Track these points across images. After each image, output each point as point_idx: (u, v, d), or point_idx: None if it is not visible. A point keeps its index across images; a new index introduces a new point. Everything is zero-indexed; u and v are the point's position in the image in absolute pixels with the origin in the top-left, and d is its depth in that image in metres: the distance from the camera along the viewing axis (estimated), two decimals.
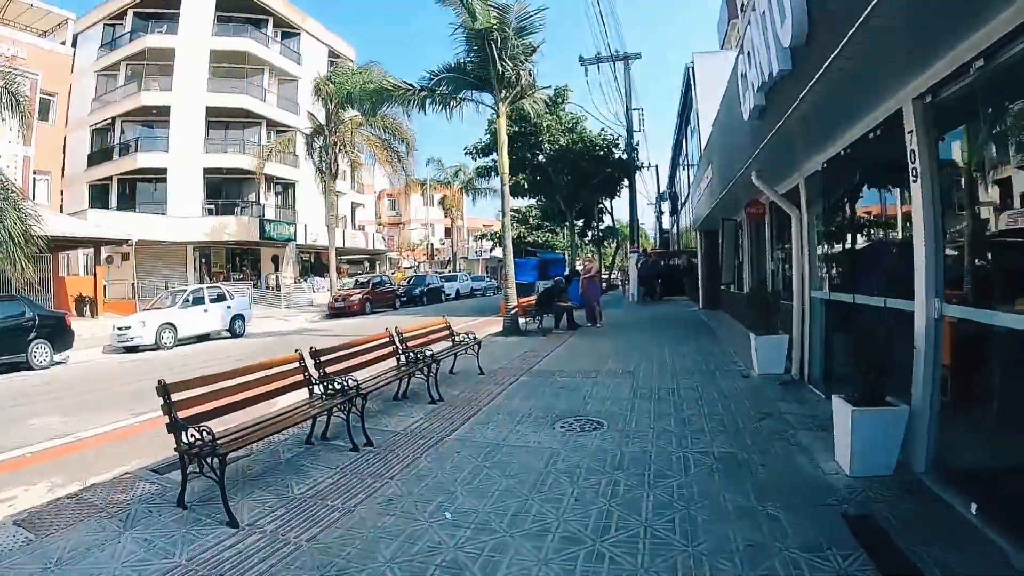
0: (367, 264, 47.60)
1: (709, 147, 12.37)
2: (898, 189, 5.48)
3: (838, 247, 7.55)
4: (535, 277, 23.57)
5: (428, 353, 7.72)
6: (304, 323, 22.94)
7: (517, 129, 24.53)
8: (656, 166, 48.24)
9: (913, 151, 4.45)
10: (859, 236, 7.28)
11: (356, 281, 28.67)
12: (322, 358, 6.07)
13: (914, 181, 4.47)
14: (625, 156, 25.91)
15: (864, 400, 4.38)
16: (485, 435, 5.95)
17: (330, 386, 5.78)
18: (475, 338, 9.57)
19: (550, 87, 21.85)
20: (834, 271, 7.67)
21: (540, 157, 25.40)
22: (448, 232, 61.85)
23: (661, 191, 47.57)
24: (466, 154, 27.82)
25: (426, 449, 5.53)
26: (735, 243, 14.31)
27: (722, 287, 18.27)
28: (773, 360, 8.09)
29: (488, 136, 25.68)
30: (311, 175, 30.39)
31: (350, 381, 5.83)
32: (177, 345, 16.19)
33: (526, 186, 26.54)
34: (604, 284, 28.53)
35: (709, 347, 11.06)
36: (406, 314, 24.60)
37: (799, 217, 7.98)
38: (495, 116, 15.57)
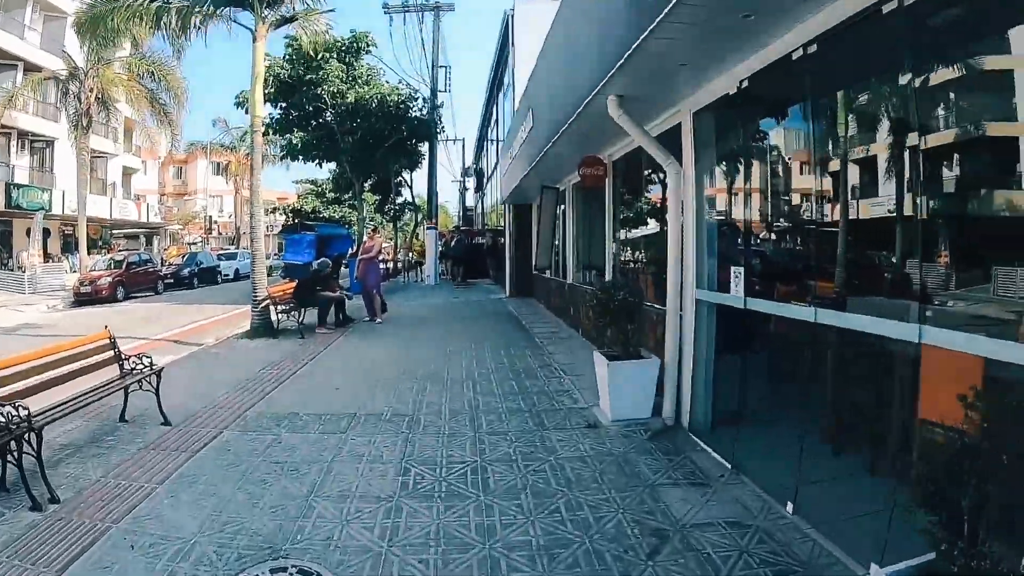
0: (143, 239, 39.09)
1: (531, 90, 9.30)
2: None
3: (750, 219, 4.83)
4: (312, 256, 18.95)
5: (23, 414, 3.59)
6: (36, 315, 15.95)
7: (297, 73, 19.74)
8: (463, 140, 44.77)
9: None
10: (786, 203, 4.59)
11: (111, 260, 22.02)
12: None
13: None
14: (425, 115, 22.24)
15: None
16: None
17: None
18: (152, 365, 5.38)
19: (333, 9, 17.36)
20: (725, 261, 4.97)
21: (327, 114, 20.66)
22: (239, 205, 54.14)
23: (466, 166, 45.09)
24: (236, 105, 21.96)
25: None
26: (555, 218, 11.48)
27: (535, 272, 15.58)
28: (636, 397, 5.12)
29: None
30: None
31: None
32: None
33: (298, 145, 21.51)
34: (390, 266, 24.90)
35: (526, 359, 7.98)
36: (167, 300, 19.30)
37: (679, 174, 5.05)
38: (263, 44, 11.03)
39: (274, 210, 55.85)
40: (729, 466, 4.19)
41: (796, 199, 4.45)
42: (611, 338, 5.28)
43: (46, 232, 26.80)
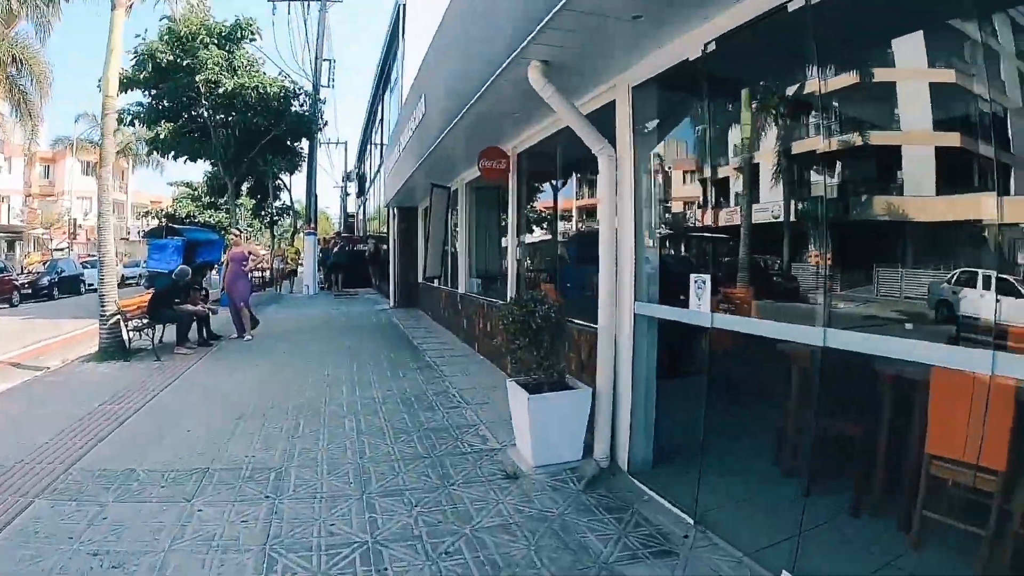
0: (5, 245, 33.40)
1: (424, 75, 8.11)
2: None
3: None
4: (179, 263, 16.55)
5: None
6: None
7: (174, 58, 17.29)
8: (346, 143, 42.65)
9: None
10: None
11: None
12: None
13: None
14: (306, 110, 20.31)
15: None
16: None
17: None
18: None
19: None
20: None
21: (201, 105, 18.21)
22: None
23: (349, 171, 42.90)
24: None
25: None
26: (447, 222, 10.37)
27: (423, 281, 14.35)
28: (564, 436, 4.13)
29: (133, 63, 17.62)
30: None
31: None
32: None
33: (165, 138, 18.57)
34: (266, 275, 22.57)
35: (418, 383, 6.79)
36: (22, 313, 16.04)
37: (612, 160, 4.16)
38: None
39: (146, 214, 50.48)
40: (691, 520, 3.32)
41: (769, 192, 3.68)
42: (525, 361, 4.26)
43: None
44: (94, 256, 33.86)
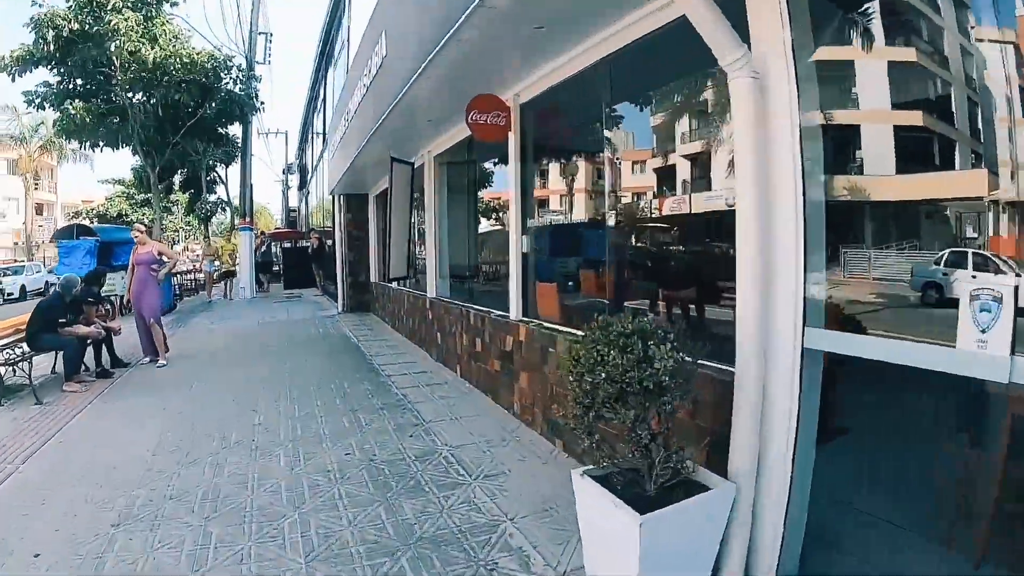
0: None
1: (384, 6, 6.06)
2: None
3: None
4: (89, 269, 13.75)
5: None
6: None
7: (82, 26, 14.37)
8: (286, 132, 39.68)
9: None
10: None
11: None
12: None
13: None
14: (239, 87, 17.61)
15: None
16: None
17: None
18: None
19: None
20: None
21: (116, 80, 15.25)
22: (40, 210, 44.14)
23: (289, 163, 39.95)
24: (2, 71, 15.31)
25: None
26: (411, 207, 8.29)
27: (378, 281, 12.23)
28: (684, 561, 2.28)
29: (32, 35, 14.46)
30: None
31: None
32: None
33: (79, 119, 15.18)
34: (198, 277, 19.81)
35: (393, 439, 4.75)
36: None
37: (755, 84, 2.33)
38: None
39: (76, 214, 46.09)
40: None
41: None
42: (621, 449, 2.38)
43: None
44: (18, 261, 29.91)
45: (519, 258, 5.22)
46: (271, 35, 19.98)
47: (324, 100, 20.30)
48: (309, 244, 19.48)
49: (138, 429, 5.06)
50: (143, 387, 6.63)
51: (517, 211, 5.20)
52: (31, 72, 14.66)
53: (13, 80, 14.48)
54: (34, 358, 6.45)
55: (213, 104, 16.86)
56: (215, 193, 26.19)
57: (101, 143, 16.36)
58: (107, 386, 6.71)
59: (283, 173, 40.74)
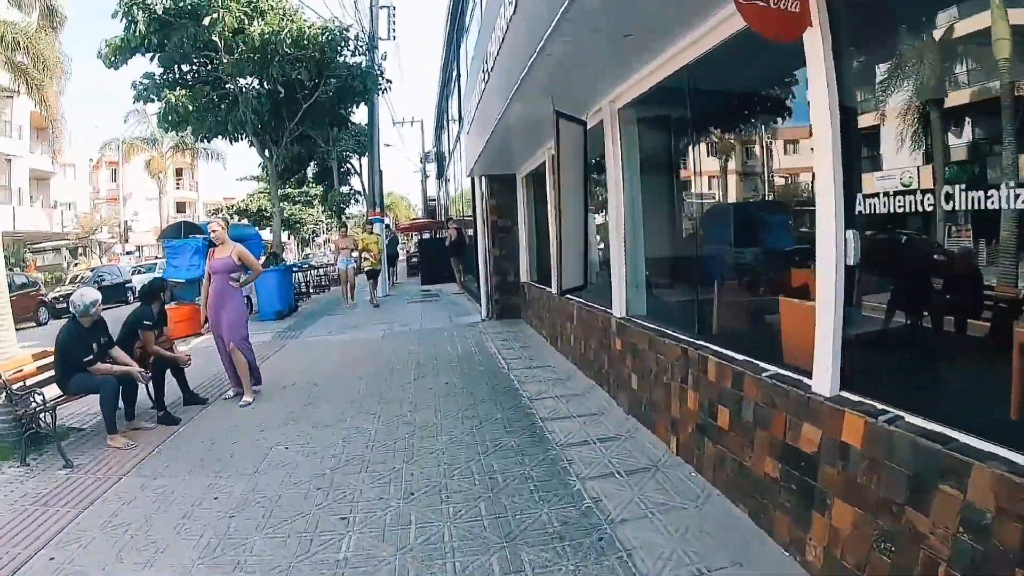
0: (67, 253, 32.48)
1: None
2: None
3: None
4: (201, 270, 12.53)
5: None
6: None
7: (167, 4, 13.07)
8: (421, 121, 39.03)
9: None
10: None
11: None
12: None
13: None
14: (363, 59, 15.93)
15: None
16: None
17: None
18: None
19: None
20: None
21: (220, 62, 14.23)
22: (183, 208, 48.01)
23: (426, 151, 39.35)
24: (99, 57, 14.80)
25: None
26: (586, 181, 5.66)
27: (529, 282, 10.00)
28: None
29: (122, 22, 13.29)
30: None
31: None
32: None
33: (179, 106, 14.03)
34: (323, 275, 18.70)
35: None
36: (31, 339, 11.46)
37: None
38: None
39: (215, 212, 48.58)
40: None
41: None
42: None
43: None
44: (152, 260, 31.88)
45: (835, 272, 2.58)
46: (394, 9, 18.29)
47: (458, 78, 18.37)
48: (447, 236, 17.66)
49: (179, 531, 3.14)
50: (206, 446, 4.81)
51: (833, 186, 2.56)
52: (127, 64, 13.71)
53: (116, 69, 13.67)
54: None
55: (332, 81, 15.14)
56: (348, 184, 25.45)
57: (209, 134, 15.24)
58: (165, 439, 5.01)
59: (420, 162, 40.23)
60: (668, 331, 4.32)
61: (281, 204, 43.36)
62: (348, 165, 29.22)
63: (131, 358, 5.24)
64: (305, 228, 52.06)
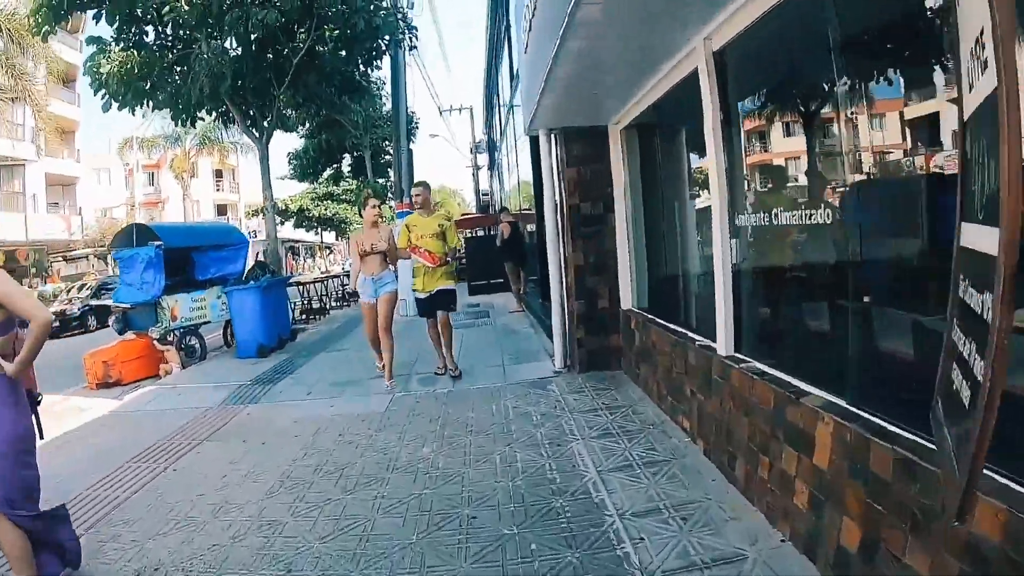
0: (91, 261, 31.03)
1: None
2: None
3: None
4: (158, 288, 8.83)
5: None
6: None
7: None
8: (471, 108, 35.54)
9: None
10: None
11: None
12: None
13: None
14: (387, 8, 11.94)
15: None
16: None
17: None
18: None
19: None
20: None
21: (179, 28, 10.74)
22: (223, 211, 46.78)
23: (477, 140, 35.70)
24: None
25: None
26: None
27: (634, 310, 5.73)
28: None
29: None
30: None
31: None
32: None
33: (114, 70, 10.55)
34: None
35: None
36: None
37: None
38: None
39: (254, 213, 45.10)
40: None
41: None
42: None
43: None
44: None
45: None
46: None
47: (510, 53, 14.09)
48: (498, 233, 13.26)
49: None
50: None
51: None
52: (65, 24, 10.24)
53: (45, 40, 10.24)
54: None
55: (333, 33, 11.23)
56: (387, 176, 21.91)
57: (157, 104, 11.46)
58: None
59: (471, 152, 36.41)
60: None
61: (325, 203, 40.36)
62: (387, 156, 25.58)
63: None
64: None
